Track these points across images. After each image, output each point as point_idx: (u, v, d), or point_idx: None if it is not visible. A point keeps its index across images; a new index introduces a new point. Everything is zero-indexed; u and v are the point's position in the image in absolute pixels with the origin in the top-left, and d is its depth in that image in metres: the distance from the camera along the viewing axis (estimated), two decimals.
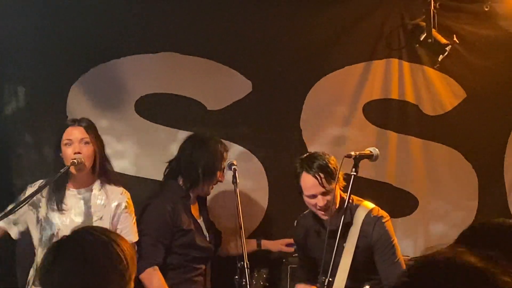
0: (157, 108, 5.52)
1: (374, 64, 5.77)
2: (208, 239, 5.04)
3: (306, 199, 4.53)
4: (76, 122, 4.69)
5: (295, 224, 4.89)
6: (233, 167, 4.80)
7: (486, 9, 5.77)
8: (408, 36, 5.77)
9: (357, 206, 4.56)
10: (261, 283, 4.81)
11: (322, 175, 4.38)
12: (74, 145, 4.57)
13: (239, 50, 5.63)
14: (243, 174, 5.17)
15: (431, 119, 5.84)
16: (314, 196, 4.45)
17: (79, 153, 4.55)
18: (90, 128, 4.67)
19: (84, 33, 5.42)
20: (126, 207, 4.66)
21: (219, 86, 5.61)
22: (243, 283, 4.44)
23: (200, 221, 5.05)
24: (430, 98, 5.84)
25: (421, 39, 5.62)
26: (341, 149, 5.42)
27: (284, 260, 5.33)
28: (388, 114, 5.80)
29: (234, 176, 4.74)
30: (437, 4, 5.61)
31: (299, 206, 5.57)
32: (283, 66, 5.68)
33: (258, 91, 5.64)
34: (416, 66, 5.82)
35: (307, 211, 4.77)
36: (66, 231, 4.50)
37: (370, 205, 4.60)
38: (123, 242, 2.48)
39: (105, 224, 4.62)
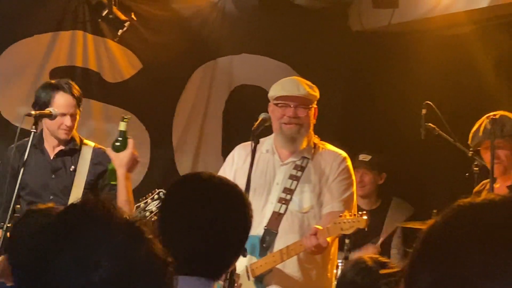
0: None
1: (61, 35, 6.34)
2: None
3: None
4: None
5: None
6: None
7: None
8: (92, 11, 6.36)
9: None
10: None
11: None
12: None
13: None
14: None
15: (111, 86, 6.51)
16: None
17: None
18: None
19: None
20: None
21: None
22: None
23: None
24: (110, 67, 6.50)
25: (103, 14, 6.24)
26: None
27: None
28: (73, 79, 6.20)
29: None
30: None
31: None
32: None
33: None
34: (99, 38, 6.46)
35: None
36: None
37: None
38: None
39: None
